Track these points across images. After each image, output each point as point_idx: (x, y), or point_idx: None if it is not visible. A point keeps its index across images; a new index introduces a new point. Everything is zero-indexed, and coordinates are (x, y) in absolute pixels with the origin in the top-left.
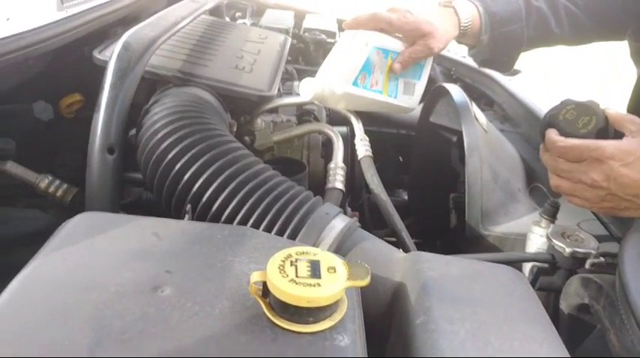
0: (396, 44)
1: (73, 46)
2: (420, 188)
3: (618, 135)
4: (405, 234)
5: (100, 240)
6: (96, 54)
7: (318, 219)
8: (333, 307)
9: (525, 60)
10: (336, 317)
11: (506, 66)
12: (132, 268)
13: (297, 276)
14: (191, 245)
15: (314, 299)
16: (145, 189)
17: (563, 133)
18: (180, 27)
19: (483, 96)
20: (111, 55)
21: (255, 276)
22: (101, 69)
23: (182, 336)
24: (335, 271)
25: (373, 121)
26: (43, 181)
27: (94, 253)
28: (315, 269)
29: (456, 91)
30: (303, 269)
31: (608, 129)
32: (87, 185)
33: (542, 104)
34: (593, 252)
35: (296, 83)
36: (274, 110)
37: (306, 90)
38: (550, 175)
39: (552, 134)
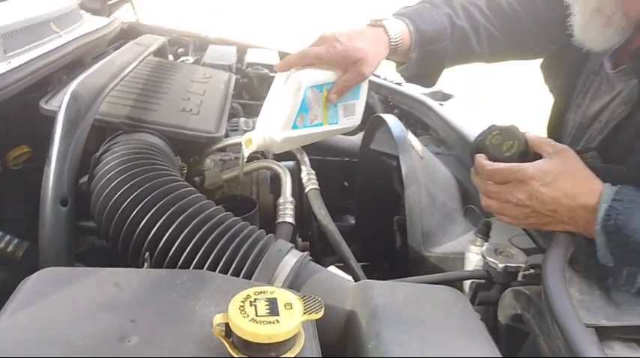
0: (328, 76)
1: (18, 96)
2: (365, 212)
3: (538, 156)
4: (353, 262)
5: (62, 295)
6: (43, 104)
7: (272, 256)
8: (292, 340)
9: (456, 84)
10: (295, 349)
11: (432, 81)
12: (97, 320)
13: (256, 315)
14: (152, 293)
15: (274, 335)
16: (99, 237)
17: (491, 157)
18: (127, 72)
19: (419, 121)
20: (60, 105)
21: (218, 318)
22: (49, 118)
23: None
24: (291, 307)
25: (318, 151)
26: None
27: (57, 309)
28: (273, 307)
29: (392, 121)
30: (262, 308)
31: (528, 152)
32: (40, 238)
33: (473, 127)
34: (522, 265)
35: (242, 119)
36: (222, 148)
37: (248, 144)
38: (481, 196)
39: (481, 159)
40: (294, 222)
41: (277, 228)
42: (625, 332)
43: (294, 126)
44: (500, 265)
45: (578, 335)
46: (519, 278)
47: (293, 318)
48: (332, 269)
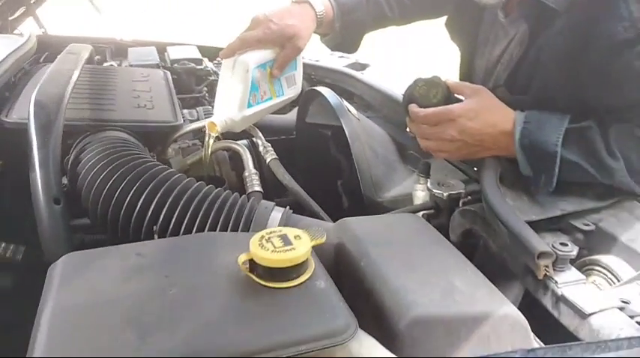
0: (269, 54)
1: None
2: (309, 182)
3: (458, 99)
4: (321, 212)
5: (94, 270)
6: (4, 118)
7: (261, 214)
8: (306, 263)
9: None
10: (310, 269)
11: (355, 47)
12: (136, 282)
13: (274, 248)
14: (173, 254)
15: (294, 259)
16: (85, 233)
17: (421, 105)
18: (75, 79)
19: (344, 91)
20: (28, 115)
21: (243, 257)
22: (12, 131)
23: (205, 314)
24: (300, 237)
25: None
26: None
27: (95, 280)
28: (285, 240)
29: (326, 92)
30: (277, 242)
31: (451, 96)
32: (42, 238)
33: (394, 88)
34: (462, 191)
35: (185, 111)
36: (182, 136)
37: (212, 128)
38: (419, 140)
39: (414, 107)
40: (262, 191)
41: (249, 198)
42: (551, 223)
43: (249, 105)
44: (445, 194)
45: (518, 225)
46: (460, 204)
47: (305, 244)
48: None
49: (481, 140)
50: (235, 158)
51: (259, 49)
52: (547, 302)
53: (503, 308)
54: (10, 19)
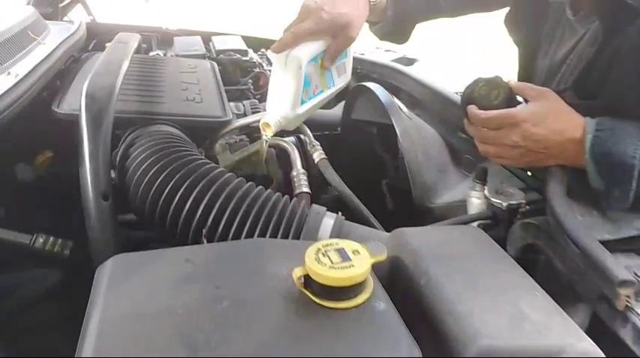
0: (320, 45)
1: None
2: (352, 180)
3: (520, 102)
4: (371, 218)
5: (142, 275)
6: (55, 108)
7: (312, 220)
8: (365, 282)
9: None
10: (369, 289)
11: (405, 37)
12: (184, 292)
13: (332, 263)
14: (223, 262)
15: (353, 277)
16: (131, 228)
17: (481, 107)
18: (125, 69)
19: (391, 87)
20: (79, 107)
21: (298, 272)
22: (63, 122)
23: (257, 333)
24: (359, 253)
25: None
26: (38, 241)
27: (144, 287)
28: (343, 255)
29: (376, 88)
30: (335, 256)
31: (513, 98)
32: (90, 234)
33: (446, 85)
34: (523, 201)
35: (231, 104)
36: (226, 133)
37: (266, 129)
38: (477, 143)
39: (473, 109)
40: (310, 191)
41: (297, 198)
42: (625, 244)
43: (302, 102)
44: (504, 204)
45: (593, 246)
46: (519, 214)
47: (364, 261)
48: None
49: (546, 147)
50: (283, 156)
51: (311, 41)
52: (626, 335)
53: (581, 344)
54: (60, 5)
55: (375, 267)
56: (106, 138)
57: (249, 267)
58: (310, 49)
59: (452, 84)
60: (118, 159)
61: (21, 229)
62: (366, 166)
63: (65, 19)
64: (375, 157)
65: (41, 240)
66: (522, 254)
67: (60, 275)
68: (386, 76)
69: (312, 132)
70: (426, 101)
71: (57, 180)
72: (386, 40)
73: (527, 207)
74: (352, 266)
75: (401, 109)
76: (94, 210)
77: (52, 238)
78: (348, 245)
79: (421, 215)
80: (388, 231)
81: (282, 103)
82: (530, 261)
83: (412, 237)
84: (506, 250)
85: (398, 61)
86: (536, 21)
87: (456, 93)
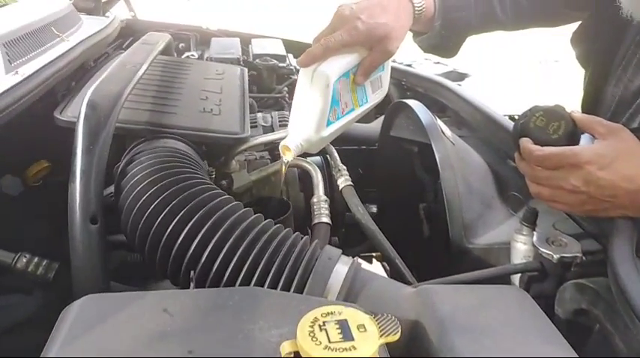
0: (353, 59)
1: (29, 109)
2: (388, 201)
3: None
4: (400, 263)
5: (110, 325)
6: (57, 115)
7: (322, 266)
8: None
9: (472, 63)
10: None
11: (453, 52)
12: (153, 352)
13: (329, 341)
14: (205, 317)
15: None
16: (128, 250)
17: (537, 141)
18: (141, 75)
19: (436, 103)
20: (78, 116)
21: (287, 347)
22: (65, 129)
23: None
24: (365, 329)
25: (334, 141)
26: (21, 261)
27: (109, 341)
28: (345, 331)
29: (418, 107)
30: (334, 332)
31: (576, 132)
32: (73, 261)
33: (498, 107)
34: (579, 255)
35: (259, 114)
36: (246, 149)
37: (285, 152)
38: (529, 183)
39: (527, 144)
40: (330, 222)
41: (314, 229)
42: None
43: (328, 123)
44: (556, 256)
45: None
46: (572, 267)
47: (370, 342)
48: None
49: (614, 196)
50: (305, 178)
51: (343, 54)
52: None
53: None
54: (102, 1)
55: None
56: (102, 152)
57: (234, 327)
58: (341, 64)
59: (506, 105)
60: (117, 174)
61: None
62: (403, 187)
63: (108, 14)
64: (413, 178)
65: (24, 260)
66: (573, 317)
67: (36, 303)
68: (432, 92)
69: (347, 146)
70: (473, 123)
71: (50, 193)
72: (431, 53)
73: (583, 258)
74: (353, 348)
75: (443, 132)
76: (79, 235)
77: (36, 258)
78: (352, 316)
79: (458, 255)
80: (420, 261)
81: (306, 124)
82: (582, 327)
83: (440, 299)
84: (553, 309)
85: (447, 75)
86: (611, 41)
87: (510, 117)
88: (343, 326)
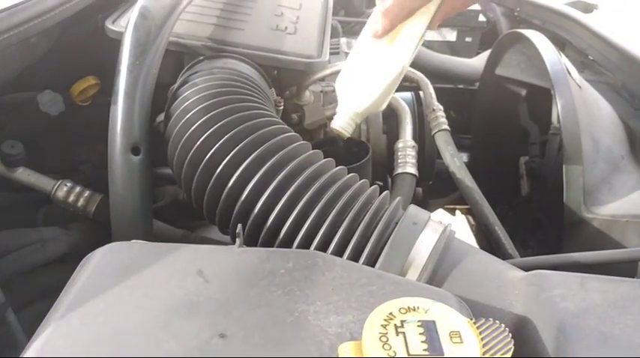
0: (428, 14)
1: (83, 16)
2: (484, 149)
3: None
4: (501, 231)
5: (131, 287)
6: (109, 24)
7: (403, 233)
8: None
9: None
10: None
11: None
12: (174, 333)
13: (408, 352)
14: (248, 288)
15: None
16: (180, 186)
17: None
18: None
19: (554, 38)
20: (126, 25)
21: (347, 351)
22: (117, 43)
23: None
24: (461, 340)
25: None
26: (61, 189)
27: (124, 310)
28: (432, 339)
29: (539, 40)
30: (415, 338)
31: None
32: (111, 195)
33: (637, 46)
34: None
35: (343, 39)
36: (323, 78)
37: (342, 136)
38: None
39: None
40: (416, 173)
41: (396, 181)
42: None
43: None
44: None
45: None
46: None
47: None
48: (441, 213)
49: None
50: (391, 117)
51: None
52: None
53: None
54: None
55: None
56: (150, 69)
57: (282, 305)
58: (422, 24)
59: None
60: (170, 97)
61: (48, 168)
62: (504, 136)
63: None
64: (517, 127)
65: (64, 189)
66: None
67: (71, 241)
68: (552, 24)
69: (443, 84)
70: (604, 64)
71: (100, 114)
72: None
73: None
74: None
75: (570, 74)
76: (119, 166)
77: (78, 188)
78: (444, 318)
79: (574, 226)
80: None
81: (368, 91)
82: None
83: (559, 292)
84: None
85: (572, 5)
86: None
87: None
88: (430, 331)
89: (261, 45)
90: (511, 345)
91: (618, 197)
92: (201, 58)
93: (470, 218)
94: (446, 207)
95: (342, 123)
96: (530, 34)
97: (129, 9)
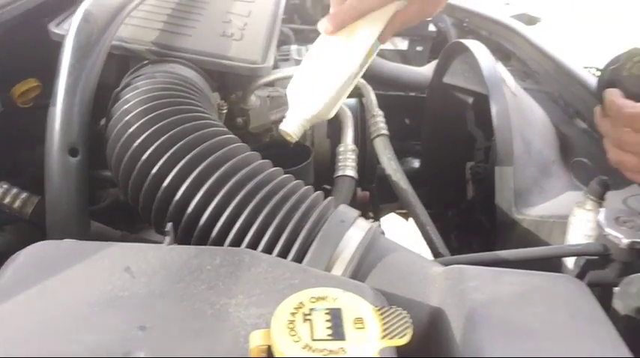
0: (385, 15)
1: (27, 19)
2: (433, 155)
3: None
4: (431, 230)
5: (56, 282)
6: (52, 27)
7: (331, 230)
8: None
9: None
10: None
11: None
12: (95, 326)
13: (312, 338)
14: (173, 283)
15: None
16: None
17: (629, 94)
18: None
19: (499, 49)
20: (69, 28)
21: (257, 338)
22: (60, 45)
23: None
24: (363, 326)
25: (379, 85)
26: None
27: (46, 304)
28: (336, 325)
29: (479, 50)
30: (321, 325)
31: None
32: (47, 196)
33: (574, 57)
34: None
35: (293, 47)
36: (270, 83)
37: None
38: (609, 147)
39: (616, 96)
40: (356, 176)
41: (336, 183)
42: None
43: None
44: (625, 240)
45: None
46: None
47: (366, 345)
48: (393, 218)
49: None
50: (335, 121)
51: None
52: None
53: None
54: None
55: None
56: (91, 71)
57: (204, 299)
58: (379, 24)
59: (583, 57)
60: (112, 100)
61: None
62: (452, 142)
63: None
64: (464, 133)
65: (0, 191)
66: (636, 314)
67: (5, 241)
68: (497, 35)
69: (393, 91)
70: (542, 74)
71: (40, 117)
72: None
73: None
74: (343, 351)
75: (504, 82)
76: (56, 166)
77: (15, 190)
78: (350, 306)
79: (504, 226)
80: (460, 227)
81: (321, 93)
82: None
83: (474, 285)
84: (609, 301)
85: (518, 17)
86: None
87: (588, 69)
88: (335, 319)
89: (207, 50)
90: (410, 330)
91: (547, 199)
92: (146, 62)
93: None
94: (397, 212)
95: (291, 127)
96: (470, 44)
97: (74, 13)
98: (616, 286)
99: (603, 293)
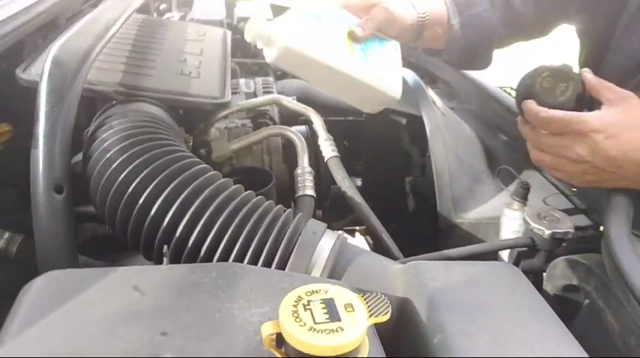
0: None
1: None
2: (374, 172)
3: (593, 102)
4: (386, 237)
5: (74, 305)
6: (20, 73)
7: (306, 240)
8: (357, 348)
9: None
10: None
11: (485, 60)
12: (122, 336)
13: (315, 322)
14: (179, 296)
15: (340, 347)
16: (99, 222)
17: (542, 104)
18: (114, 32)
19: (426, 73)
20: (40, 74)
21: (268, 328)
22: (28, 89)
23: None
24: (353, 309)
25: (320, 111)
26: None
27: (72, 325)
28: (331, 310)
29: (408, 76)
30: (319, 312)
31: (584, 95)
32: (36, 233)
33: (490, 79)
34: (571, 230)
35: (242, 80)
36: (226, 115)
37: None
38: (531, 149)
39: (532, 105)
40: (314, 195)
41: (297, 202)
42: None
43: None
44: (548, 231)
45: None
46: (563, 244)
47: (358, 323)
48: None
49: (619, 167)
50: (289, 147)
51: None
52: None
53: None
54: None
55: None
56: (68, 114)
57: (211, 306)
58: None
59: (498, 77)
60: (86, 139)
61: None
62: (389, 160)
63: None
64: (400, 151)
65: None
66: (562, 293)
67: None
68: (422, 61)
69: (333, 116)
70: (465, 94)
71: (12, 160)
72: (463, 68)
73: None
74: (340, 329)
75: (434, 102)
76: (43, 205)
77: None
78: (339, 295)
79: (446, 230)
80: (404, 236)
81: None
82: (570, 303)
83: (430, 276)
84: (541, 285)
85: None
86: (611, 12)
87: (503, 89)
88: (329, 306)
89: (169, 89)
90: (389, 309)
91: (480, 204)
92: (114, 102)
93: (368, 238)
94: (344, 228)
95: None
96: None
97: (37, 58)
98: (544, 271)
99: (535, 279)
